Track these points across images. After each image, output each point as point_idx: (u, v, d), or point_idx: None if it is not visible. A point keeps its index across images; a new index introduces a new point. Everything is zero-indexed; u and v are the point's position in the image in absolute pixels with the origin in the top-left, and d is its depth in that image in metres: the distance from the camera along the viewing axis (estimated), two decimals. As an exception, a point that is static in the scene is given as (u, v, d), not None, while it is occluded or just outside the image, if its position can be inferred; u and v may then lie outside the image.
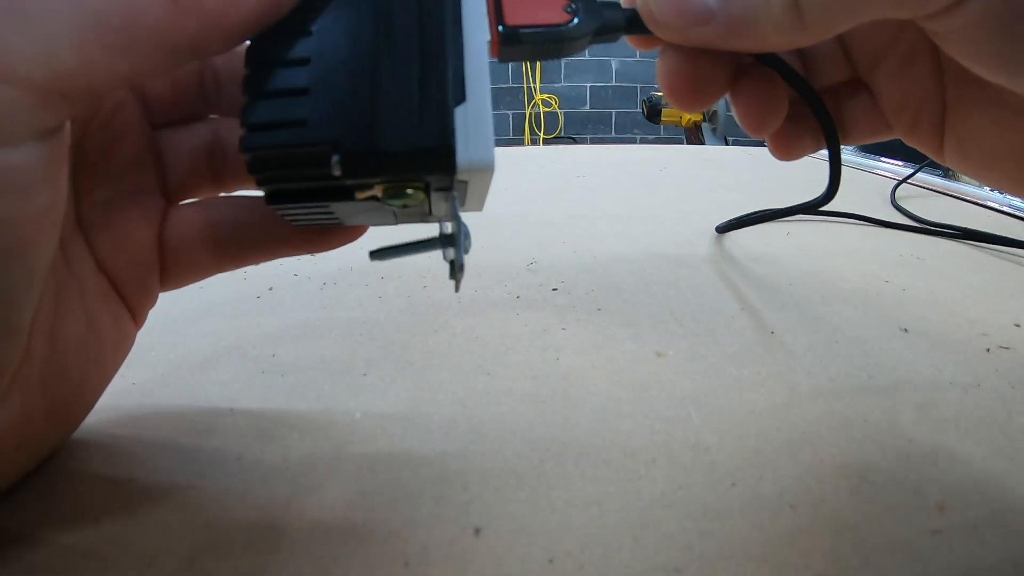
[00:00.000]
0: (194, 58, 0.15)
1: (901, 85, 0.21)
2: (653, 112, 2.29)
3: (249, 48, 0.16)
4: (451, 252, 0.17)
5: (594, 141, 2.92)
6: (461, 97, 0.16)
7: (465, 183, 0.17)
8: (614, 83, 2.98)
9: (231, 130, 0.21)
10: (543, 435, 0.20)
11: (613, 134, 3.00)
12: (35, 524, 0.16)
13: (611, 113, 2.98)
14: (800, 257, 0.37)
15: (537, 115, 2.86)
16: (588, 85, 2.99)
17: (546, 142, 2.86)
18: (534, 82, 2.86)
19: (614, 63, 2.98)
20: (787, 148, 0.23)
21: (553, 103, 2.89)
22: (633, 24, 0.19)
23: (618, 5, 0.19)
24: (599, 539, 0.16)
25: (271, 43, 0.16)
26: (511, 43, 0.17)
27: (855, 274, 0.35)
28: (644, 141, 2.89)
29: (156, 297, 0.22)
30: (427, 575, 0.15)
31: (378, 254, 0.18)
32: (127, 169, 0.20)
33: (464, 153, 0.15)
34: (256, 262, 0.22)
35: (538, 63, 2.86)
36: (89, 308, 0.19)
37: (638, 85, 2.98)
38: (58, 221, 0.15)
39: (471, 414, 0.22)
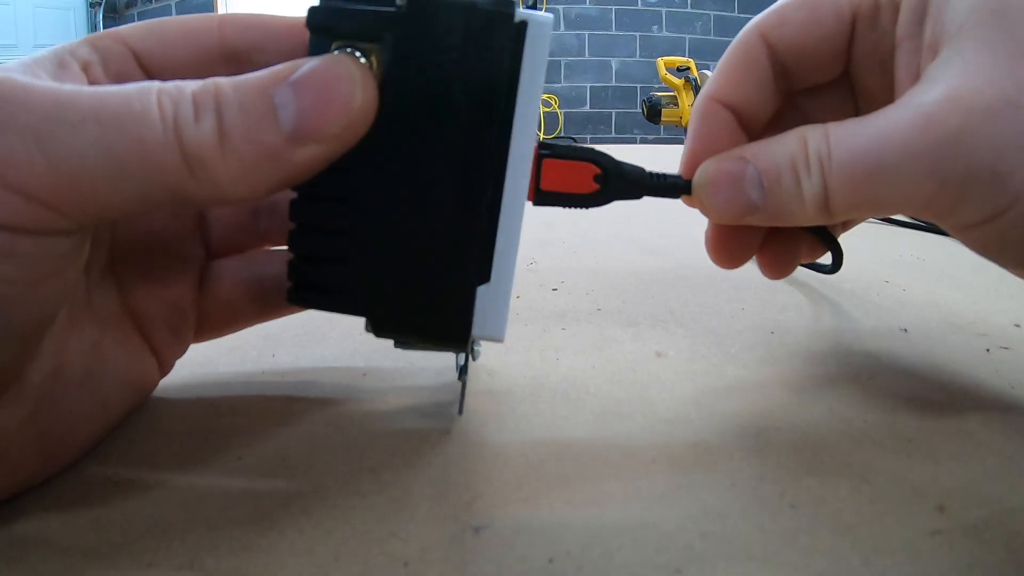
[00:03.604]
0: (209, 208, 0.16)
1: None
2: (653, 112, 2.29)
3: (292, 201, 0.17)
4: (462, 357, 0.20)
5: (594, 141, 2.91)
6: (486, 277, 0.17)
7: None
8: (614, 83, 2.98)
9: None
10: (543, 435, 0.20)
11: (613, 134, 3.00)
12: (35, 524, 0.16)
13: (611, 113, 2.98)
14: (800, 257, 0.37)
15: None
16: (588, 85, 2.99)
17: (546, 142, 2.85)
18: (534, 82, 2.86)
19: (614, 63, 2.98)
20: (780, 273, 0.25)
21: (553, 103, 2.89)
22: (655, 189, 0.21)
23: (642, 171, 0.20)
24: (599, 539, 0.16)
25: (311, 202, 0.17)
26: (543, 202, 0.19)
27: (855, 274, 0.35)
28: (644, 141, 2.89)
29: (188, 345, 0.22)
30: (427, 575, 0.15)
31: (402, 343, 0.20)
32: (167, 220, 0.20)
33: (479, 327, 0.17)
34: (297, 311, 0.22)
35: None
36: (104, 348, 0.19)
37: (638, 85, 2.98)
38: (57, 297, 0.16)
39: (471, 414, 0.22)
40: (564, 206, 0.20)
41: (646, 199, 0.21)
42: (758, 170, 0.19)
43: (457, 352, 0.20)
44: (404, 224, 0.17)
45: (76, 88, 0.14)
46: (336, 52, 0.16)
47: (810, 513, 0.17)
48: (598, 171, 0.19)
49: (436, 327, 0.18)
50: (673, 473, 0.19)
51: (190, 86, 0.15)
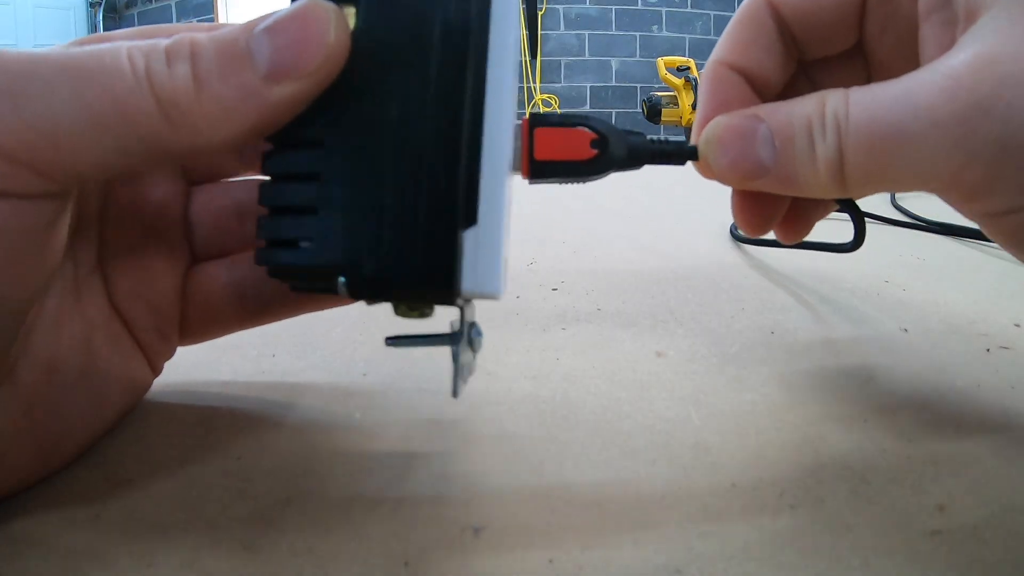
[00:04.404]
0: (190, 159, 0.15)
1: None
2: (653, 112, 2.28)
3: (265, 154, 0.17)
4: (459, 351, 0.18)
5: (594, 141, 2.91)
6: (472, 219, 0.16)
7: (470, 299, 0.17)
8: (614, 83, 2.99)
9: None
10: (543, 435, 0.20)
11: (613, 134, 2.99)
12: (35, 523, 0.16)
13: (611, 113, 2.98)
14: (800, 257, 0.37)
15: (537, 115, 2.86)
16: (588, 85, 2.99)
17: (546, 142, 2.85)
18: (534, 82, 2.86)
19: (614, 63, 2.98)
20: (794, 237, 0.25)
21: (553, 103, 2.89)
22: (658, 156, 0.20)
23: (643, 135, 0.19)
24: (599, 539, 0.16)
25: (286, 150, 0.16)
26: (539, 175, 0.18)
27: (855, 274, 0.35)
28: (644, 141, 2.89)
29: (175, 347, 0.22)
30: (427, 575, 0.15)
31: (394, 341, 0.19)
32: (154, 218, 0.20)
33: (469, 281, 0.16)
34: (280, 319, 0.22)
35: (538, 65, 2.86)
36: (95, 346, 0.19)
37: (638, 85, 2.98)
38: (38, 271, 0.16)
39: (471, 414, 0.22)
40: (561, 178, 0.19)
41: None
42: (771, 128, 0.18)
43: (452, 338, 0.18)
44: (380, 165, 0.16)
45: (48, 49, 0.14)
46: None
47: (810, 513, 0.17)
48: (594, 136, 0.18)
49: (417, 273, 0.16)
50: (673, 473, 0.19)
51: (163, 41, 0.15)
